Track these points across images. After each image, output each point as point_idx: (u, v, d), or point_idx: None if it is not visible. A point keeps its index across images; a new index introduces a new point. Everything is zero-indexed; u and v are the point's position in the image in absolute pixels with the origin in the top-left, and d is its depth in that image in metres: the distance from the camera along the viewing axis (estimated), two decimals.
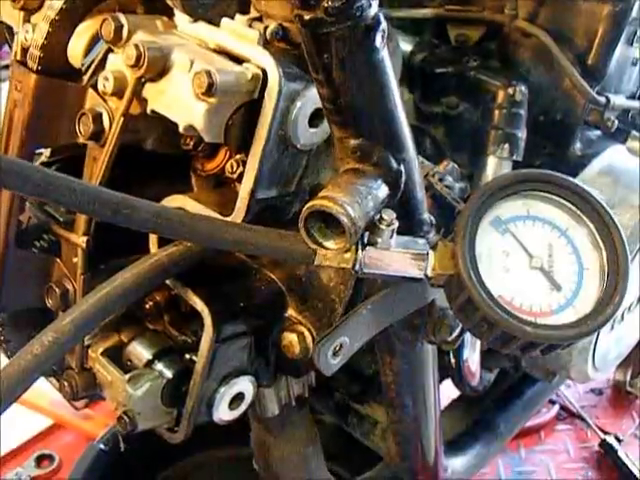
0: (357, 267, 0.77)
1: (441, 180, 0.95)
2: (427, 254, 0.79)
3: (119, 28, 0.90)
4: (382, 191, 0.78)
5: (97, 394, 1.02)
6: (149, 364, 0.98)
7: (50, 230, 1.02)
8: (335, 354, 0.83)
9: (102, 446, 1.68)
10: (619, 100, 1.23)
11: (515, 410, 1.46)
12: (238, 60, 0.88)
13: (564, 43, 1.18)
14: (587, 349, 1.19)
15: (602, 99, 1.20)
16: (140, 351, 0.99)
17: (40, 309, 1.05)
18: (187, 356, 0.99)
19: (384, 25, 0.72)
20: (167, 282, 0.98)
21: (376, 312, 0.84)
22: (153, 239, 0.98)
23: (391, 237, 0.77)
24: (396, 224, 0.77)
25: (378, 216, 0.76)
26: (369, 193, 0.76)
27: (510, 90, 1.13)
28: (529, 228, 0.82)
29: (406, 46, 1.22)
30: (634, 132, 1.28)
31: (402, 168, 0.80)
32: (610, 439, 2.08)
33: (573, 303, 0.79)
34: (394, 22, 1.27)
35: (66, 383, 1.00)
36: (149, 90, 0.88)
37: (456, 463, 1.32)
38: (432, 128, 1.21)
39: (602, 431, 2.15)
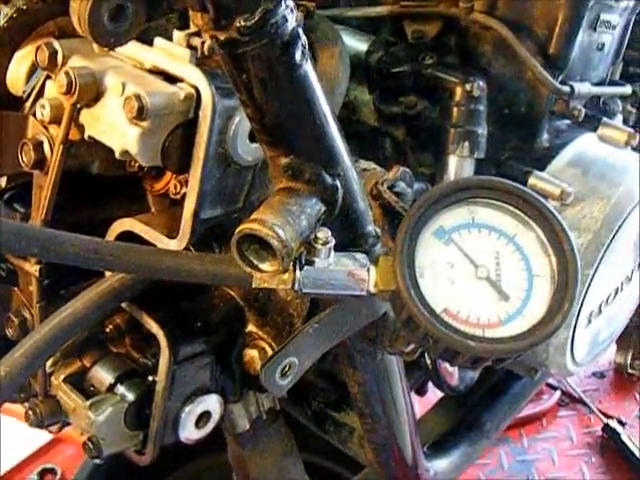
0: (296, 287, 0.76)
1: (392, 188, 0.93)
2: (368, 270, 0.77)
3: (53, 54, 0.89)
4: (317, 209, 0.76)
5: (64, 420, 1.02)
6: (111, 388, 0.97)
7: (5, 259, 1.02)
8: (284, 375, 0.81)
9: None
10: (584, 88, 1.20)
11: (501, 407, 1.44)
12: (174, 79, 0.87)
13: (524, 33, 1.16)
14: (564, 345, 1.17)
15: (566, 88, 1.17)
16: (102, 375, 0.98)
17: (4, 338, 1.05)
18: (150, 378, 0.98)
19: (303, 40, 0.71)
20: (123, 305, 0.97)
21: (324, 329, 0.82)
22: None
23: (328, 255, 0.76)
24: (332, 242, 0.75)
25: (313, 235, 0.75)
26: (302, 212, 0.74)
27: (467, 86, 1.11)
28: (475, 236, 0.79)
29: (362, 45, 1.19)
30: (605, 119, 1.25)
31: (337, 183, 0.78)
32: (613, 423, 2.06)
33: (523, 312, 0.77)
34: (352, 22, 1.25)
35: (30, 411, 1.00)
36: (85, 116, 0.87)
37: (440, 464, 1.30)
38: (393, 129, 1.18)
39: (605, 415, 2.12)
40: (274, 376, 0.80)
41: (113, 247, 0.77)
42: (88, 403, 0.95)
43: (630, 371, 2.19)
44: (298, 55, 0.70)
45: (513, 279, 0.78)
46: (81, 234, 1.01)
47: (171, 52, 0.87)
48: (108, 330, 1.00)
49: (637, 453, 1.98)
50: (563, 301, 0.75)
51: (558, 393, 2.21)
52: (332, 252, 0.76)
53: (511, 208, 0.79)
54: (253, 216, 0.73)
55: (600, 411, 2.14)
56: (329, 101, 0.97)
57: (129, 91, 0.83)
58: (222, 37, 0.68)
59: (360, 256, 0.78)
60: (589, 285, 1.14)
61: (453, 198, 0.79)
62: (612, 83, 1.31)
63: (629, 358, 2.18)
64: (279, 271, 0.73)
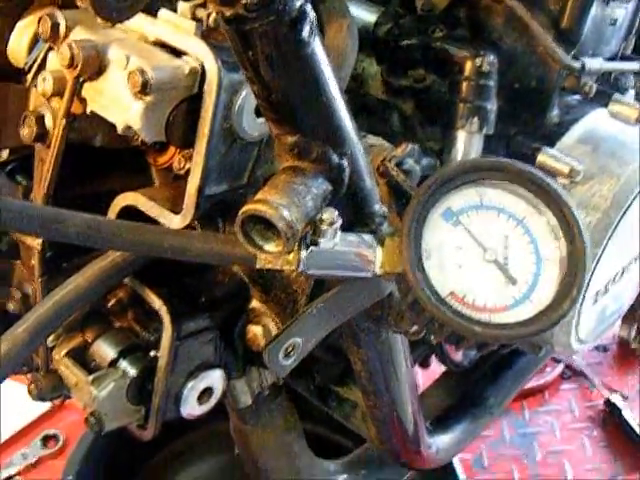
0: (301, 268, 0.75)
1: (400, 165, 0.91)
2: (374, 251, 0.76)
3: (56, 26, 0.87)
4: (323, 189, 0.75)
5: (66, 394, 1.02)
6: (113, 363, 0.96)
7: (7, 233, 1.01)
8: (287, 355, 0.81)
9: None
10: (596, 63, 1.18)
11: (505, 382, 1.43)
12: (179, 53, 0.85)
13: (536, 7, 1.13)
14: (569, 324, 1.15)
15: (578, 64, 1.14)
16: (104, 350, 0.98)
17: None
18: (152, 353, 0.97)
19: (312, 16, 0.69)
20: (126, 280, 0.96)
21: (328, 310, 0.81)
22: None
23: (334, 236, 0.74)
24: (339, 223, 0.74)
25: (319, 216, 0.73)
26: (308, 192, 0.73)
27: (477, 61, 1.08)
28: (483, 218, 0.78)
29: (371, 17, 1.17)
30: (617, 95, 1.23)
31: (345, 162, 0.76)
32: (615, 398, 2.06)
33: (530, 297, 0.76)
34: None
35: (32, 385, 1.00)
36: (88, 90, 0.86)
37: (443, 440, 1.30)
38: (401, 102, 1.16)
39: (608, 389, 2.12)
40: (278, 356, 0.79)
41: (115, 225, 0.76)
42: (90, 378, 0.94)
43: (634, 345, 2.19)
44: (306, 32, 0.69)
45: (521, 263, 0.77)
46: (85, 207, 1.01)
47: (176, 24, 0.85)
48: (111, 304, 0.99)
49: (637, 429, 1.98)
50: (571, 287, 0.74)
51: (561, 366, 2.21)
52: (338, 233, 0.75)
53: (521, 190, 0.78)
54: (258, 196, 0.71)
55: (603, 385, 2.14)
56: (337, 76, 0.95)
57: (133, 65, 0.81)
58: (228, 13, 0.66)
59: (367, 237, 0.77)
60: (596, 264, 1.13)
61: (462, 179, 0.78)
62: (624, 58, 1.28)
63: (633, 332, 2.17)
64: (284, 252, 0.72)
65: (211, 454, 1.88)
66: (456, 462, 1.71)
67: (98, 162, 0.98)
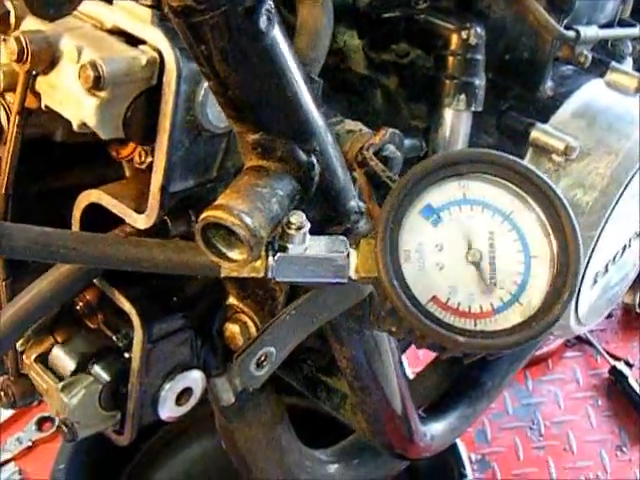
0: (270, 275, 0.69)
1: (379, 152, 0.85)
2: (348, 256, 0.71)
3: (5, 15, 0.81)
4: (289, 189, 0.69)
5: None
6: (83, 368, 0.92)
7: None
8: (259, 365, 0.76)
9: None
10: (591, 31, 1.11)
11: (502, 365, 1.38)
12: (137, 41, 0.79)
13: None
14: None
15: (571, 33, 1.08)
16: (72, 355, 0.93)
17: None
18: (126, 355, 0.93)
19: (269, 4, 0.63)
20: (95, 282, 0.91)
21: (303, 315, 0.76)
22: None
23: (303, 241, 0.69)
24: (307, 227, 0.68)
25: (286, 219, 0.68)
26: (273, 195, 0.68)
27: (464, 33, 1.02)
28: (466, 215, 0.72)
29: None
30: (613, 63, 1.16)
31: (313, 159, 0.71)
32: (620, 365, 2.02)
33: (519, 299, 0.70)
34: None
35: (2, 392, 0.95)
36: (41, 84, 0.80)
37: (437, 427, 1.26)
38: (385, 78, 1.10)
39: (612, 357, 2.08)
40: (249, 367, 0.75)
41: (66, 238, 0.71)
42: (60, 385, 0.90)
43: (639, 311, 2.14)
44: (263, 22, 0.63)
45: (508, 262, 0.71)
46: (49, 204, 0.96)
47: (132, 11, 0.78)
48: (79, 307, 0.94)
49: None
50: (563, 288, 0.69)
51: None
52: (307, 237, 0.69)
53: (507, 183, 0.72)
54: (218, 201, 0.66)
55: (607, 352, 2.09)
56: (312, 59, 0.89)
57: (85, 58, 0.75)
58: (175, 4, 0.60)
59: (340, 239, 0.72)
60: (595, 246, 1.07)
61: (442, 173, 0.72)
62: (622, 23, 1.21)
63: (637, 298, 2.12)
64: (248, 260, 0.67)
65: (212, 433, 1.85)
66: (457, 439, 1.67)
67: (61, 157, 0.93)
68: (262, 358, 0.76)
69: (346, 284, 0.72)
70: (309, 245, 0.70)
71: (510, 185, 0.72)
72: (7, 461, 1.91)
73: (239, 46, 0.63)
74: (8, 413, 1.99)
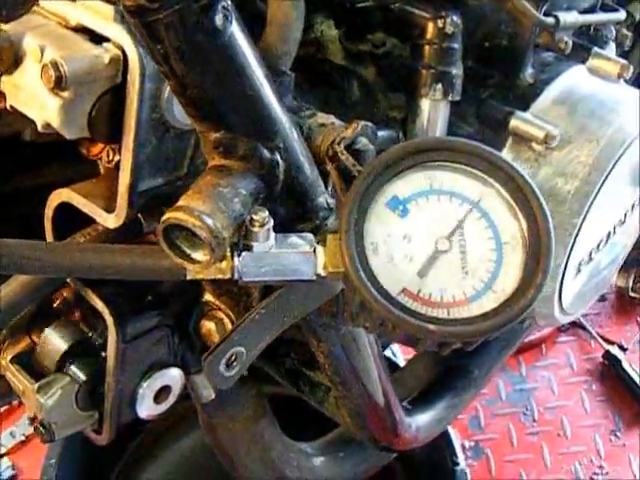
0: (236, 276, 0.69)
1: (350, 146, 0.84)
2: (315, 252, 0.70)
3: None
4: (253, 188, 0.68)
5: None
6: (61, 367, 0.91)
7: None
8: (229, 366, 0.75)
9: None
10: (571, 17, 1.09)
11: (489, 353, 1.38)
12: (102, 39, 0.78)
13: None
14: (550, 297, 1.10)
15: (550, 20, 1.06)
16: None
17: None
18: (103, 354, 0.92)
19: (225, 1, 0.62)
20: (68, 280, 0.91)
21: (272, 314, 0.75)
22: (48, 231, 0.90)
23: (267, 238, 0.68)
24: (270, 223, 0.67)
25: (249, 217, 0.67)
26: (236, 195, 0.67)
27: (440, 22, 1.00)
28: (434, 205, 0.70)
29: None
30: (595, 49, 1.15)
31: (277, 156, 0.70)
32: (614, 350, 2.01)
33: (492, 286, 0.68)
34: None
35: None
36: (5, 84, 0.79)
37: (423, 418, 1.25)
38: (362, 69, 1.08)
39: (606, 341, 2.07)
40: (218, 368, 0.74)
41: (26, 248, 0.69)
42: (36, 386, 0.89)
43: (632, 294, 2.12)
44: (219, 19, 0.61)
45: (480, 249, 0.70)
46: (22, 202, 0.95)
47: (95, 8, 0.77)
48: (56, 305, 0.94)
49: (638, 380, 1.94)
50: (536, 272, 0.67)
51: None
52: (272, 234, 0.68)
53: (473, 170, 0.71)
54: (180, 202, 0.65)
55: (601, 336, 2.09)
56: (286, 49, 0.88)
57: (47, 57, 0.74)
58: (129, 3, 0.59)
59: (306, 236, 0.71)
60: (577, 235, 1.06)
61: (406, 163, 0.70)
62: (604, 8, 1.19)
63: (631, 281, 2.10)
64: (212, 262, 0.66)
65: None
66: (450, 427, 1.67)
67: (32, 156, 0.92)
68: (232, 358, 0.75)
69: (315, 281, 0.71)
70: (275, 243, 0.69)
71: (476, 172, 0.71)
72: (0, 456, 1.91)
73: (196, 44, 0.62)
74: (1, 408, 1.99)
